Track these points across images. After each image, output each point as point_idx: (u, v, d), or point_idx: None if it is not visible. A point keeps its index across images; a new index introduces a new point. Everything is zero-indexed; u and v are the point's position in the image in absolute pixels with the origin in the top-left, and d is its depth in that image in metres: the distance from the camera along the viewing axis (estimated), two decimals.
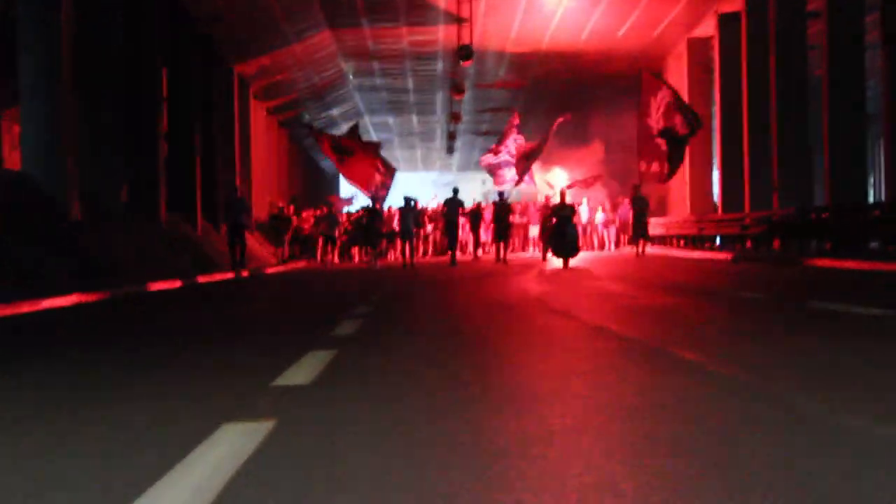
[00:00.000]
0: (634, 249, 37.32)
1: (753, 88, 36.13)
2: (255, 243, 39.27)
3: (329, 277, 27.56)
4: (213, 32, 35.83)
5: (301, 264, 38.83)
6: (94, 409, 5.81)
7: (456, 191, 36.17)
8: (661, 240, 44.46)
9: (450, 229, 35.65)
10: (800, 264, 24.73)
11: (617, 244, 47.63)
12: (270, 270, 33.11)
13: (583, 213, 46.44)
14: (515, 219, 44.66)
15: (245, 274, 29.00)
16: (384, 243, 42.85)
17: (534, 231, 45.13)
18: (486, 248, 43.87)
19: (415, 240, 37.75)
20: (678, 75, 45.37)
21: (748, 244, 34.18)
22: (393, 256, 42.73)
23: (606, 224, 47.93)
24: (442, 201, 38.39)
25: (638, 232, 36.97)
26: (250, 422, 5.01)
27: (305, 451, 4.39)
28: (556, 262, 29.11)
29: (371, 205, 37.54)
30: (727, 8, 38.86)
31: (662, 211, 46.88)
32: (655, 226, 44.16)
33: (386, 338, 9.86)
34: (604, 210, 47.95)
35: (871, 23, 31.07)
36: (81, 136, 24.19)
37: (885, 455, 4.04)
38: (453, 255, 34.58)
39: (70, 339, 11.32)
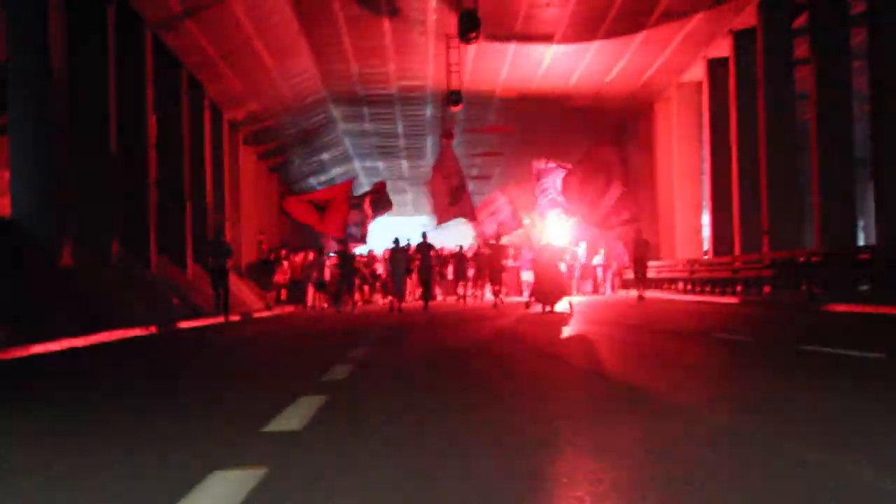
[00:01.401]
0: (632, 294, 36.13)
1: (743, 132, 36.21)
2: (243, 287, 39.14)
3: (319, 323, 27.45)
4: (202, 78, 35.90)
5: (289, 309, 38.62)
6: (80, 455, 5.77)
7: (424, 235, 36.15)
8: (654, 283, 44.48)
9: (423, 274, 35.63)
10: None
11: (613, 288, 47.19)
12: (258, 315, 32.97)
13: (579, 256, 46.31)
14: (508, 262, 44.52)
15: (233, 319, 28.89)
16: (366, 288, 42.98)
17: (526, 275, 44.64)
18: (473, 292, 43.68)
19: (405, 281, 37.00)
20: (667, 119, 45.55)
21: (738, 287, 34.20)
22: (380, 300, 42.62)
23: (604, 268, 47.66)
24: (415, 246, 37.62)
25: (638, 276, 35.91)
26: (240, 469, 4.96)
27: (297, 499, 4.36)
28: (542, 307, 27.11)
29: (343, 248, 36.25)
30: (716, 53, 39.01)
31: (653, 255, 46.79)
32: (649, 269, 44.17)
33: (376, 383, 9.82)
34: (598, 252, 47.66)
35: (858, 68, 31.22)
36: (71, 182, 24.15)
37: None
38: (426, 301, 34.74)
39: (58, 384, 11.26)
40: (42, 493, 4.73)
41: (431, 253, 36.56)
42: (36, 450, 6.17)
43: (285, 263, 42.45)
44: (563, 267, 30.33)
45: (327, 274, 40.74)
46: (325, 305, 35.25)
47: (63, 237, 23.16)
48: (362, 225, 34.94)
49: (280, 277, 41.73)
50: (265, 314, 34.46)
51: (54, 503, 4.49)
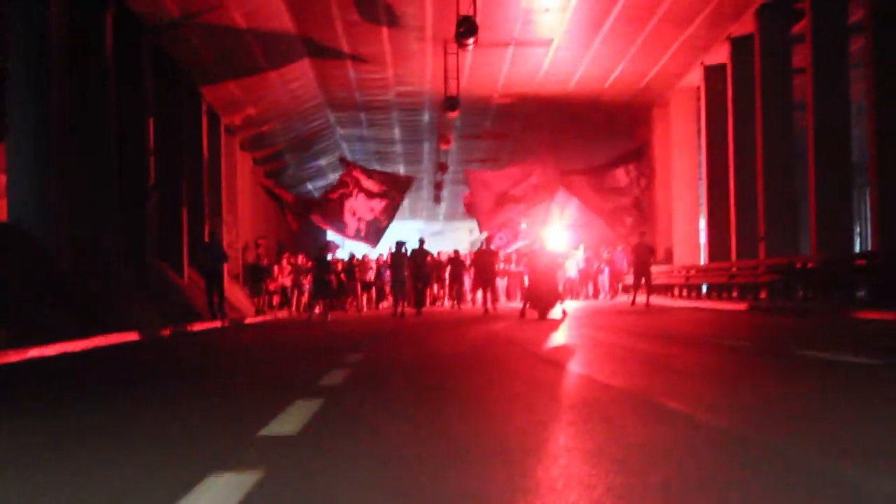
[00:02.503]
0: (633, 299, 34.46)
1: (739, 138, 36.26)
2: (237, 292, 39.06)
3: (315, 329, 27.42)
4: (200, 82, 35.94)
5: (283, 314, 38.38)
6: (74, 459, 5.77)
7: (422, 241, 36.18)
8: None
9: (416, 280, 35.60)
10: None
11: (612, 293, 46.71)
12: (250, 321, 32.81)
13: (577, 260, 46.15)
14: (511, 267, 44.43)
15: (227, 323, 28.86)
16: (363, 295, 42.79)
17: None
18: (470, 298, 43.58)
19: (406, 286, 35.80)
20: (665, 125, 45.58)
21: (735, 293, 34.21)
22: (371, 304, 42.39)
23: (601, 272, 47.43)
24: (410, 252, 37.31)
25: (640, 282, 34.37)
26: (236, 473, 4.96)
27: (292, 503, 4.36)
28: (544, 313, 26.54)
29: (320, 253, 35.21)
30: (713, 60, 39.06)
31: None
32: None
33: (373, 388, 9.82)
34: (599, 257, 47.48)
35: (855, 67, 31.24)
36: (70, 186, 24.17)
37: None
38: (419, 307, 34.93)
39: (55, 388, 11.26)
40: (37, 494, 4.73)
41: (428, 259, 36.54)
42: (30, 452, 6.16)
43: (276, 269, 42.11)
44: (560, 272, 30.10)
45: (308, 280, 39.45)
46: (317, 311, 33.71)
47: (61, 241, 23.18)
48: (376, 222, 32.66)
49: (272, 284, 41.37)
50: (257, 319, 34.33)
51: None
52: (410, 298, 35.65)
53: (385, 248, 41.14)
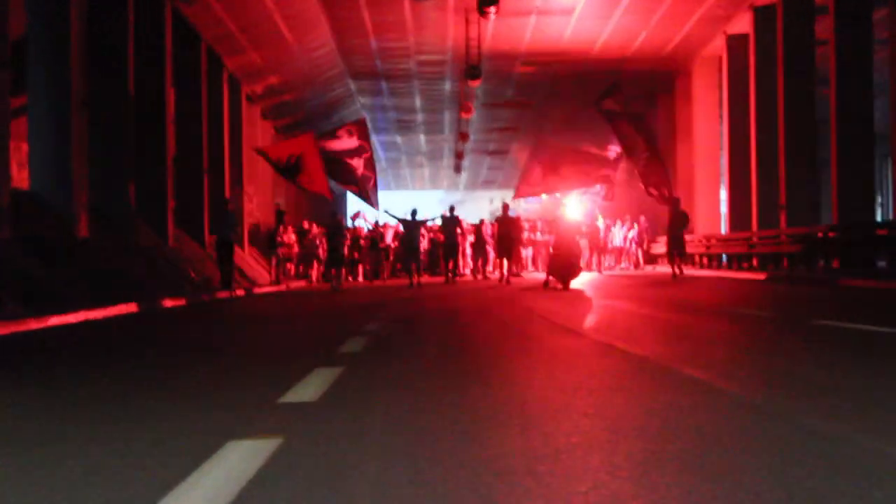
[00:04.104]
0: (673, 271, 32.15)
1: (761, 107, 36.12)
2: (253, 261, 38.82)
3: (331, 298, 27.41)
4: (221, 51, 35.92)
5: (298, 284, 37.29)
6: (99, 425, 5.81)
7: (452, 208, 35.70)
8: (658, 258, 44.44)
9: (449, 250, 35.06)
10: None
11: (636, 264, 45.96)
12: (262, 290, 32.33)
13: (599, 229, 45.38)
14: (536, 236, 43.77)
15: (237, 293, 28.40)
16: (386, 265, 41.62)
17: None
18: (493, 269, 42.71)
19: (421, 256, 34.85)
20: (687, 95, 45.40)
21: (755, 262, 34.13)
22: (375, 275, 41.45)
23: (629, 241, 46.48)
24: (439, 221, 36.61)
25: (674, 251, 32.40)
26: (256, 439, 4.99)
27: (311, 468, 4.38)
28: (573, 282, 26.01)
29: (332, 218, 34.51)
30: (736, 29, 38.88)
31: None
32: (661, 244, 43.93)
33: (391, 356, 9.84)
34: (623, 225, 46.47)
35: (879, 42, 31.09)
36: (90, 155, 24.24)
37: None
38: (447, 276, 34.39)
39: (76, 356, 11.31)
40: (59, 461, 4.76)
41: (460, 227, 35.82)
42: (53, 418, 6.21)
43: (284, 236, 40.13)
44: (583, 242, 29.44)
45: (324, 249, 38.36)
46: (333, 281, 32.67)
47: (81, 210, 23.27)
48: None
49: (285, 251, 39.79)
50: (270, 289, 33.61)
51: (70, 470, 4.52)
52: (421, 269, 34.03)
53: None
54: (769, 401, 5.97)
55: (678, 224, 32.24)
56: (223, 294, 26.95)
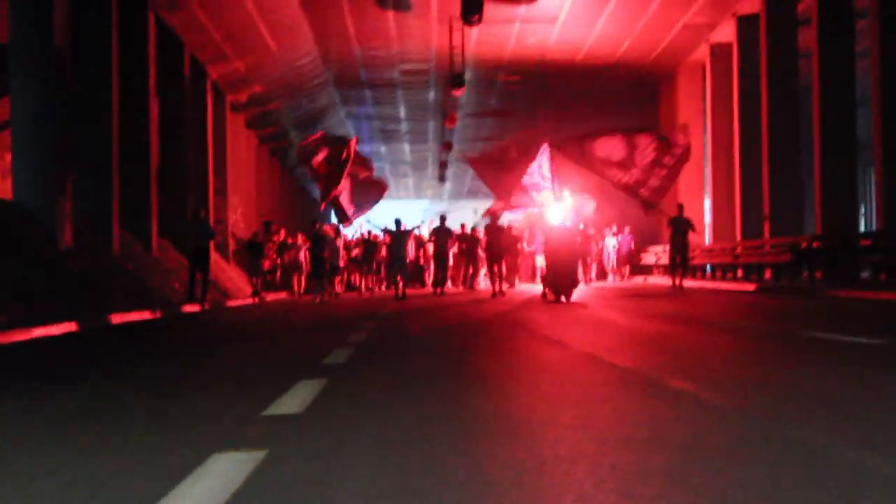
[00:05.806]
0: (674, 282, 30.89)
1: (745, 116, 36.24)
2: (232, 272, 38.17)
3: (315, 310, 27.32)
4: (204, 59, 35.87)
5: (275, 296, 35.98)
6: (82, 436, 5.78)
7: (443, 218, 35.08)
8: (647, 269, 44.33)
9: (439, 260, 34.61)
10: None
11: (622, 276, 44.32)
12: (235, 303, 31.03)
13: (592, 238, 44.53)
14: (524, 247, 42.15)
15: (207, 307, 27.09)
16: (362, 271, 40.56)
17: (540, 261, 36.70)
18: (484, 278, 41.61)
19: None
20: (671, 101, 45.50)
21: (739, 273, 34.16)
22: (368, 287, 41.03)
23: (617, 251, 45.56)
24: (430, 231, 35.98)
25: (676, 261, 30.97)
26: (241, 452, 4.98)
27: (296, 480, 4.37)
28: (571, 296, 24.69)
29: (316, 229, 33.42)
30: (719, 38, 39.02)
31: (654, 240, 46.37)
32: (651, 254, 43.93)
33: (376, 367, 9.83)
34: (602, 236, 45.57)
35: (861, 52, 31.20)
36: (73, 165, 24.15)
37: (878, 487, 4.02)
38: (441, 287, 33.94)
39: (59, 368, 11.27)
40: (42, 475, 4.74)
41: (453, 236, 35.39)
42: (36, 433, 6.18)
43: (267, 246, 38.99)
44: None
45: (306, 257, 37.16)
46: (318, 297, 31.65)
47: (64, 219, 23.18)
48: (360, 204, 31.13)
49: (266, 263, 38.55)
50: (243, 302, 32.02)
51: (52, 483, 4.50)
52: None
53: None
54: (755, 412, 5.97)
55: (681, 231, 30.82)
56: (192, 307, 25.81)
